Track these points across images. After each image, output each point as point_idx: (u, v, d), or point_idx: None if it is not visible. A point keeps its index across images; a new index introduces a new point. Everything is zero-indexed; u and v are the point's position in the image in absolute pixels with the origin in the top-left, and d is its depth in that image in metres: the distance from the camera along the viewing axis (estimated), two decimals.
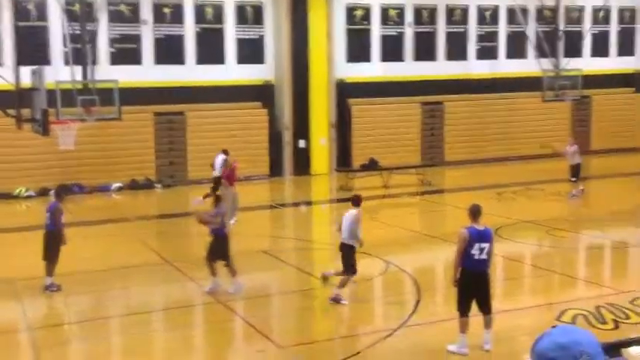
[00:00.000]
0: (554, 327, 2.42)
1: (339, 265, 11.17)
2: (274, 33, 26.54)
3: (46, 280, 11.79)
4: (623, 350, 3.63)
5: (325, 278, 11.21)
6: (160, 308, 11.32)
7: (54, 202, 12.49)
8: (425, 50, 28.69)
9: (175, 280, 12.71)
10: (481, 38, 29.60)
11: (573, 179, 19.87)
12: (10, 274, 13.05)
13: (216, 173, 19.03)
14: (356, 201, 11.21)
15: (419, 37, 28.64)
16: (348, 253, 10.81)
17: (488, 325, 8.84)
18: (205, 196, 18.03)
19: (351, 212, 10.98)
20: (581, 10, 30.40)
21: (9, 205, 21.65)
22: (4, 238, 16.22)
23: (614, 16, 31.50)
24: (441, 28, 28.95)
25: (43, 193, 22.81)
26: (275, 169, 26.50)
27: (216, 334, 9.97)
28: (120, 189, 24.02)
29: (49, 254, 11.82)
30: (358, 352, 8.86)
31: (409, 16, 28.52)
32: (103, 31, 23.98)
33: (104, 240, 16.44)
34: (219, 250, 11.46)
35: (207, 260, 11.52)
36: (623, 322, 9.64)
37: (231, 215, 17.82)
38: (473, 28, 29.44)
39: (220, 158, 19.28)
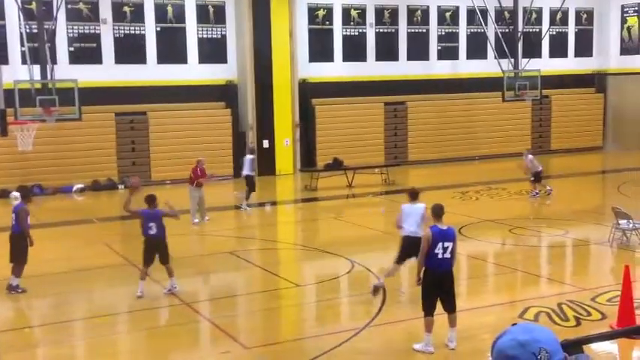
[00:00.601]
0: (514, 325, 2.44)
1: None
2: (236, 32, 26.44)
3: (12, 280, 11.57)
4: (585, 347, 3.68)
5: (377, 290, 10.88)
6: (124, 310, 11.18)
7: (19, 204, 12.26)
8: (387, 50, 28.87)
9: (135, 281, 12.56)
10: (442, 39, 29.89)
11: (533, 180, 20.22)
12: None
13: (246, 172, 19.61)
14: (417, 194, 11.29)
15: (381, 37, 28.81)
16: (418, 245, 9.76)
17: (452, 323, 8.94)
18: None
19: (419, 206, 11.00)
20: (539, 11, 30.92)
21: None
22: None
23: (571, 18, 32.14)
24: (403, 29, 29.16)
25: (2, 194, 22.37)
26: (239, 169, 26.34)
27: (181, 335, 9.89)
28: (82, 190, 23.69)
29: (16, 256, 11.60)
30: (324, 352, 8.86)
31: (371, 17, 28.67)
32: (62, 30, 23.61)
33: (67, 242, 16.19)
34: (164, 252, 11.45)
35: (147, 263, 11.41)
36: (584, 319, 9.84)
37: (202, 215, 17.76)
38: (434, 29, 29.73)
39: (248, 158, 19.74)
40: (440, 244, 8.78)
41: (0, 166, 22.73)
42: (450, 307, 8.92)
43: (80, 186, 23.81)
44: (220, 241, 15.79)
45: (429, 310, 8.84)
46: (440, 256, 8.79)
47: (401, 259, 11.05)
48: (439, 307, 8.86)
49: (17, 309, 11.20)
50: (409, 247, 10.58)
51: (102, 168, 24.39)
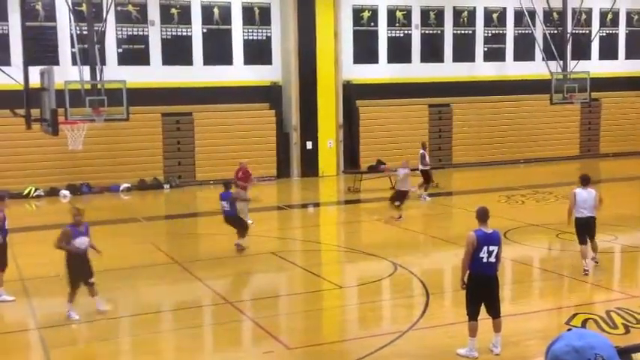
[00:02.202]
0: (569, 330, 2.41)
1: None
2: (281, 34, 26.57)
3: None
4: (634, 355, 3.60)
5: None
6: (168, 308, 11.32)
7: None
8: (432, 52, 28.68)
9: (183, 280, 12.73)
10: (488, 40, 29.55)
11: (397, 203, 17.77)
12: (19, 273, 13.10)
13: (422, 167, 20.89)
14: (589, 180, 12.44)
15: (426, 38, 28.62)
16: (592, 225, 12.33)
17: (497, 328, 8.81)
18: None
19: (592, 191, 12.29)
20: (589, 12, 30.32)
21: (19, 204, 21.70)
22: (13, 238, 16.21)
23: (622, 19, 31.42)
24: (449, 30, 28.93)
25: (52, 193, 22.93)
26: (282, 170, 26.52)
27: (224, 334, 9.97)
28: (128, 189, 24.10)
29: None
30: (367, 355, 8.83)
31: (416, 18, 28.51)
32: (111, 32, 24.04)
33: (114, 240, 16.43)
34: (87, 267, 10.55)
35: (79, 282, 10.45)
36: (633, 327, 9.59)
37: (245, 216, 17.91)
38: (480, 30, 29.41)
39: (422, 153, 20.83)
40: (485, 248, 8.67)
41: (50, 165, 23.29)
42: (495, 312, 8.80)
43: (127, 185, 24.23)
44: (263, 242, 15.86)
45: (473, 315, 8.73)
46: (485, 260, 8.68)
47: (583, 240, 12.25)
48: (483, 311, 8.74)
49: (65, 306, 11.40)
50: (585, 227, 12.22)
51: (148, 168, 24.78)
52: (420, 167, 21.15)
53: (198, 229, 18.14)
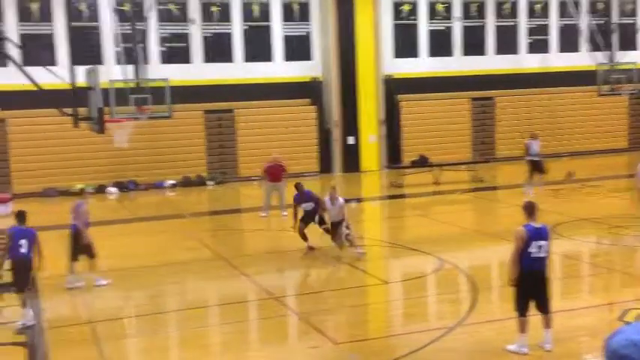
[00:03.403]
0: (627, 324, 2.34)
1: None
2: (321, 29, 26.56)
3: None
4: None
5: None
6: (215, 303, 11.41)
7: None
8: (474, 45, 28.37)
9: (229, 275, 12.81)
10: (532, 31, 29.10)
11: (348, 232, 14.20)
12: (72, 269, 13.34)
13: (529, 157, 20.09)
14: None
15: (467, 31, 28.32)
16: None
17: (547, 324, 8.66)
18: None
19: None
20: (634, 1, 29.62)
21: (68, 201, 22.11)
22: (63, 234, 16.54)
23: None
24: (491, 22, 28.57)
25: (100, 190, 23.34)
26: (324, 165, 26.53)
27: (270, 329, 10.00)
28: (173, 186, 24.41)
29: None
30: (413, 351, 8.75)
31: (457, 11, 28.21)
32: (153, 31, 24.33)
33: (159, 236, 16.71)
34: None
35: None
36: None
37: (282, 210, 18.01)
38: (523, 22, 28.98)
39: (537, 143, 20.24)
40: (534, 243, 8.52)
41: (97, 163, 23.72)
42: (545, 308, 8.64)
43: (172, 182, 24.54)
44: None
45: (522, 311, 8.60)
46: (534, 255, 8.53)
47: None
48: (533, 307, 8.60)
49: (114, 300, 11.59)
50: None
51: (192, 165, 25.05)
52: (527, 158, 20.27)
53: (243, 225, 18.25)
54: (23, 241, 10.30)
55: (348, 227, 13.55)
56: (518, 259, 8.61)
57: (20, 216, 10.69)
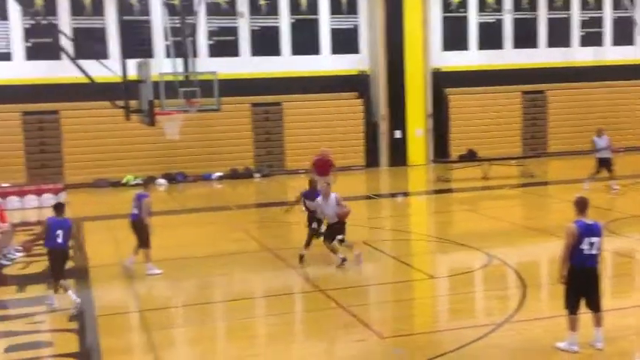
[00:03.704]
0: None
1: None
2: (369, 22, 26.44)
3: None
4: None
5: None
6: (261, 295, 11.49)
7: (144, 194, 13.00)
8: (525, 37, 27.90)
9: (276, 267, 12.88)
10: (585, 24, 28.46)
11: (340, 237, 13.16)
12: (119, 257, 13.62)
13: (604, 154, 19.31)
14: None
15: (519, 23, 27.87)
16: None
17: (598, 322, 8.49)
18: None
19: None
20: None
21: (118, 192, 22.67)
22: (114, 224, 16.91)
23: None
24: (543, 14, 28.06)
25: (148, 181, 23.72)
26: (371, 159, 26.45)
27: (316, 321, 10.02)
28: (221, 178, 24.67)
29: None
30: (460, 347, 8.67)
31: (508, 3, 27.79)
32: (202, 24, 24.56)
33: (207, 227, 16.90)
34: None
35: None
36: None
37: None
38: (576, 14, 28.36)
39: (605, 139, 19.43)
40: (586, 240, 8.36)
41: (147, 155, 24.13)
42: (595, 306, 8.47)
43: (219, 174, 24.80)
44: (353, 231, 15.78)
45: (573, 309, 8.44)
46: (586, 252, 8.37)
47: None
48: (583, 305, 8.43)
49: (164, 290, 11.77)
50: None
51: (239, 157, 25.27)
52: (596, 155, 19.52)
53: (289, 217, 18.28)
54: (59, 232, 10.63)
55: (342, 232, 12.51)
56: (568, 256, 8.45)
57: (58, 207, 11.02)
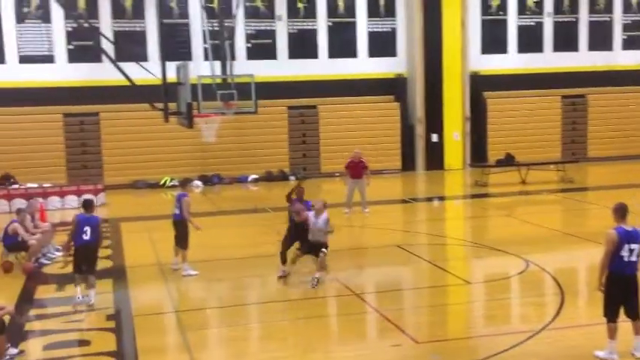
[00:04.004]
0: None
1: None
2: (406, 25, 26.33)
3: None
4: None
5: None
6: (295, 297, 11.49)
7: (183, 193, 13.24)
8: (565, 41, 27.52)
9: (310, 270, 12.83)
10: (628, 27, 27.97)
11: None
12: (157, 258, 13.79)
13: None
14: None
15: (559, 26, 27.51)
16: None
17: (638, 331, 8.32)
18: None
19: None
20: None
21: (156, 193, 22.95)
22: (152, 225, 17.12)
23: None
24: (584, 17, 27.64)
25: (185, 183, 23.95)
26: (407, 163, 26.32)
27: (351, 325, 9.99)
28: (256, 180, 24.79)
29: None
30: (496, 354, 8.56)
31: (549, 6, 27.45)
32: (240, 27, 24.74)
33: (242, 229, 17.00)
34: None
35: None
36: None
37: (363, 207, 18.01)
38: (618, 17, 27.90)
39: None
40: (626, 246, 8.20)
41: (183, 157, 24.37)
42: (635, 314, 8.31)
43: (255, 176, 24.93)
44: (388, 235, 15.81)
45: (612, 316, 8.29)
46: (626, 259, 8.21)
47: None
48: (622, 313, 8.27)
49: (199, 291, 11.86)
50: None
51: (274, 160, 25.36)
52: None
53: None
54: (87, 228, 10.85)
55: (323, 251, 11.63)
56: (607, 263, 8.30)
57: (86, 204, 11.27)
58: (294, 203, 12.30)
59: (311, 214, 11.81)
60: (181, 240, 12.72)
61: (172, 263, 12.96)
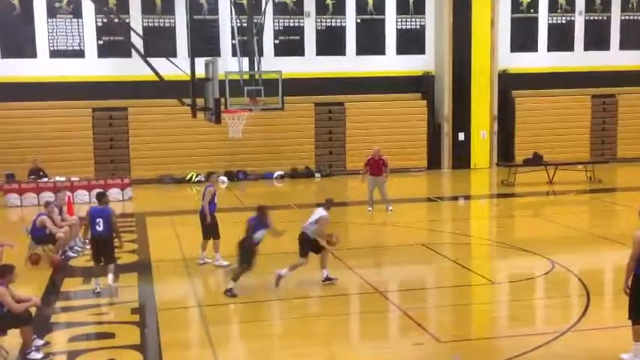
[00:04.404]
0: None
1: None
2: (435, 23, 26.18)
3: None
4: None
5: None
6: (318, 294, 11.50)
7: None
8: (597, 39, 27.15)
9: (334, 267, 12.85)
10: None
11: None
12: (182, 254, 13.89)
13: None
14: None
15: (590, 25, 27.15)
16: None
17: None
18: None
19: None
20: None
21: (182, 188, 23.12)
22: (177, 220, 17.26)
23: None
24: (616, 16, 27.25)
25: (211, 174, 24.16)
26: (433, 161, 26.19)
27: (373, 323, 9.98)
28: (281, 177, 24.84)
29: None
30: (521, 354, 8.49)
31: (580, 4, 27.11)
32: (269, 24, 24.78)
33: None
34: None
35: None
36: None
37: (386, 205, 17.99)
38: None
39: None
40: None
41: (210, 152, 24.52)
42: None
43: (280, 173, 24.98)
44: (413, 233, 15.75)
45: (637, 319, 8.17)
46: None
47: None
48: None
49: (222, 286, 11.92)
50: None
51: (300, 157, 25.39)
52: None
53: (347, 217, 18.29)
54: (99, 220, 11.14)
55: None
56: (634, 266, 8.18)
57: (100, 196, 11.57)
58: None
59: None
60: (212, 232, 12.91)
61: (199, 258, 13.05)
